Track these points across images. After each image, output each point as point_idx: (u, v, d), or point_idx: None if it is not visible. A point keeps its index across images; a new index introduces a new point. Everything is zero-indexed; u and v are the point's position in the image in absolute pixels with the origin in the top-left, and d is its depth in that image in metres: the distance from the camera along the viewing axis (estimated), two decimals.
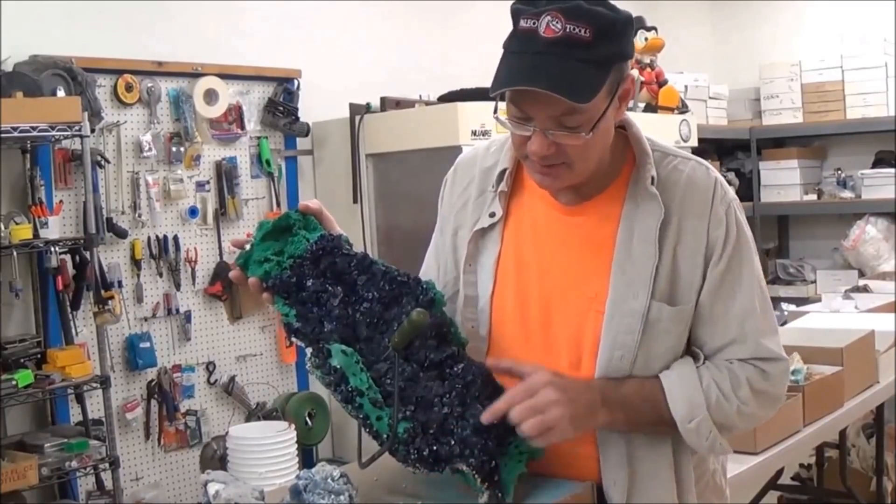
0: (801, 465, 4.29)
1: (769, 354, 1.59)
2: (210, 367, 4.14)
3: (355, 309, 1.54)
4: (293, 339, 1.55)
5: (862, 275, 5.72)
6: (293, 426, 3.83)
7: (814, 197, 6.20)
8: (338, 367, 1.48)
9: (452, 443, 1.46)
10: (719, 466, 1.75)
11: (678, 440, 1.61)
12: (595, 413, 1.53)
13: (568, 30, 1.42)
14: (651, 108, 5.02)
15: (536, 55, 1.43)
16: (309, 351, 1.52)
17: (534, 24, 1.43)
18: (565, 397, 1.48)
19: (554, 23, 1.42)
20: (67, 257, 3.55)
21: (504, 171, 1.68)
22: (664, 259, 1.56)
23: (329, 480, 1.47)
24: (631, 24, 1.51)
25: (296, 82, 4.39)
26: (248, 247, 1.59)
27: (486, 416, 1.47)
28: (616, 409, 1.54)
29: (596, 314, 1.57)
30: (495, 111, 1.53)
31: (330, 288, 1.55)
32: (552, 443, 1.49)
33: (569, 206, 1.63)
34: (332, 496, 1.45)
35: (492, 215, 1.67)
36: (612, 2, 1.50)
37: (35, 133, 3.23)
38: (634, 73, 4.84)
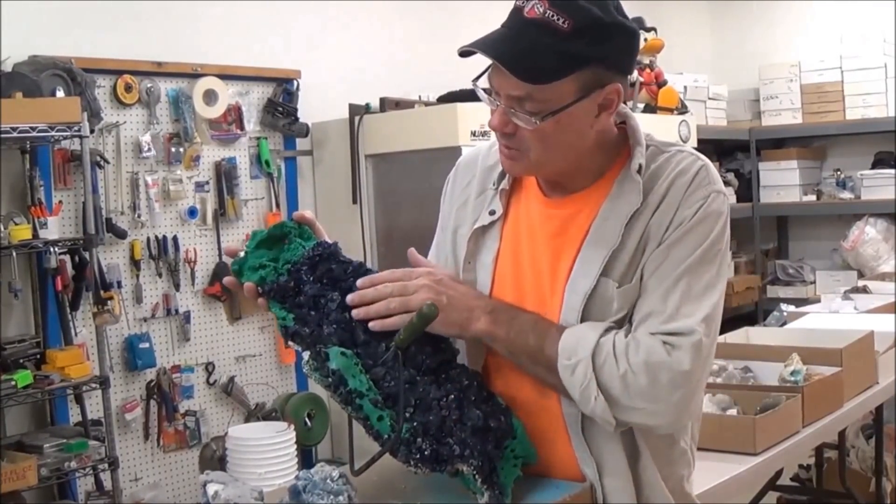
0: (801, 466, 4.29)
1: (680, 329, 1.50)
2: (209, 367, 4.14)
3: (353, 313, 1.54)
4: (290, 343, 1.54)
5: (861, 275, 5.72)
6: (292, 427, 3.84)
7: (813, 198, 6.20)
8: (336, 369, 1.48)
9: (453, 443, 1.47)
10: (687, 473, 1.68)
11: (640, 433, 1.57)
12: (473, 316, 1.56)
13: (547, 15, 1.45)
14: (650, 108, 5.02)
15: (510, 30, 1.48)
16: (306, 355, 1.51)
17: (524, 3, 1.48)
18: (437, 286, 1.54)
19: (538, 5, 1.46)
20: (67, 258, 3.55)
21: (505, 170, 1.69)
22: (627, 245, 1.55)
23: (328, 481, 1.46)
24: (629, 36, 1.51)
25: (295, 83, 4.39)
26: (241, 254, 1.59)
27: (352, 298, 1.52)
28: (501, 323, 1.55)
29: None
30: (477, 78, 1.56)
31: (327, 293, 1.55)
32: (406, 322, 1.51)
33: (556, 199, 1.64)
34: (331, 497, 1.44)
35: (491, 213, 1.68)
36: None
37: (34, 133, 3.23)
38: (633, 74, 4.86)
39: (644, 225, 1.55)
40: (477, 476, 1.47)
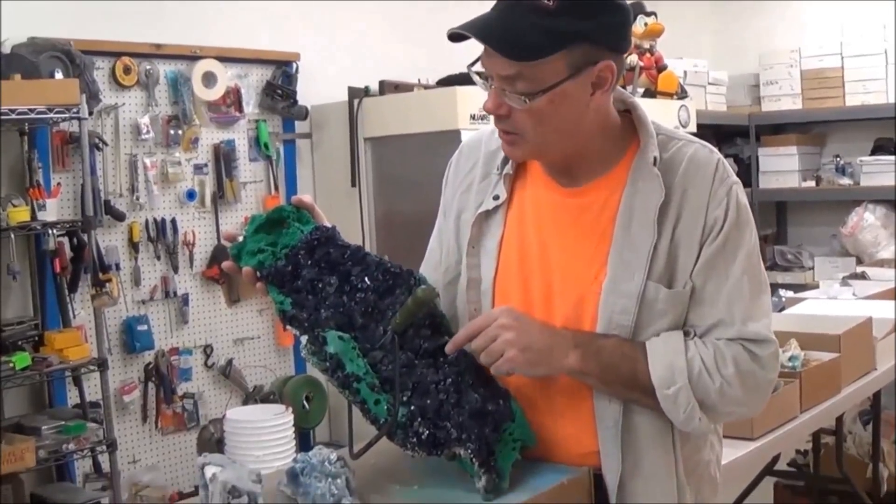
0: (798, 452, 4.30)
1: (757, 336, 1.56)
2: (207, 350, 4.14)
3: (350, 297, 1.55)
4: (288, 327, 1.55)
5: (860, 262, 5.71)
6: (290, 409, 3.81)
7: (812, 183, 6.19)
8: (334, 353, 1.49)
9: (450, 427, 1.48)
10: (714, 458, 1.72)
11: (677, 429, 1.60)
12: (561, 353, 1.54)
13: None
14: (650, 93, 5.00)
15: (498, 10, 1.50)
16: (304, 339, 1.52)
17: None
18: (517, 325, 1.52)
19: None
20: (65, 240, 3.54)
21: None
22: (662, 240, 1.55)
23: (326, 464, 1.47)
24: (618, 13, 1.51)
25: (294, 65, 4.37)
26: (240, 238, 1.59)
27: (450, 347, 1.54)
28: (590, 357, 1.54)
29: (594, 296, 1.57)
30: (472, 64, 1.56)
31: (325, 277, 1.56)
32: (505, 373, 1.54)
33: (569, 189, 1.63)
34: (329, 479, 1.44)
35: (495, 198, 1.68)
36: None
37: (33, 115, 3.22)
38: (633, 59, 4.85)
39: (672, 222, 1.56)
40: (475, 459, 1.47)
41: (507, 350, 1.51)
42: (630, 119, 1.64)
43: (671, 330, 1.57)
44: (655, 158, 1.57)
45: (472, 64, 1.56)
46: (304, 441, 4.18)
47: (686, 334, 1.58)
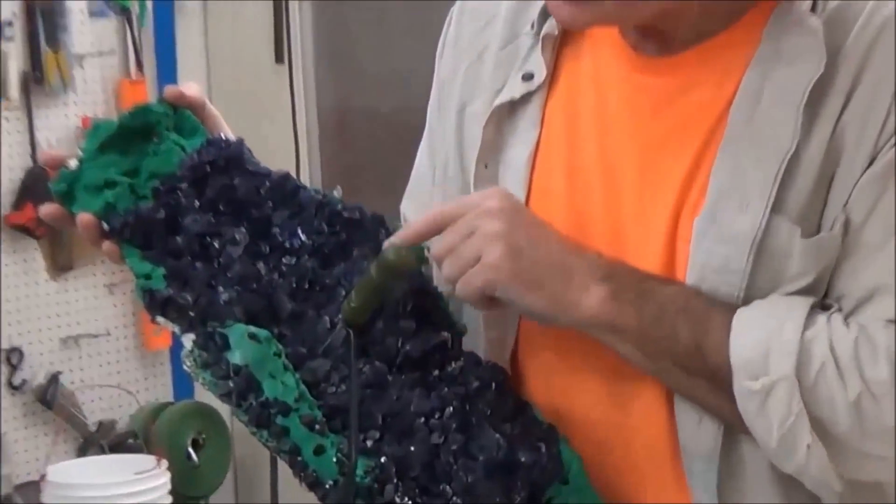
0: None
1: None
2: (13, 357, 4.19)
3: (271, 266, 1.59)
4: (159, 319, 1.58)
5: None
6: (165, 464, 3.77)
7: None
8: (242, 364, 1.49)
9: (450, 494, 1.49)
10: None
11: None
12: (579, 283, 1.55)
13: None
14: None
15: None
16: (189, 338, 1.54)
17: None
18: (512, 216, 1.55)
19: None
20: None
21: None
22: (811, 145, 1.53)
23: None
24: None
25: None
26: (73, 163, 1.61)
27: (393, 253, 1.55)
28: (625, 301, 1.54)
29: (684, 241, 1.59)
30: None
31: (226, 230, 1.60)
32: (474, 296, 1.55)
33: (657, 59, 1.65)
34: None
35: (527, 77, 1.70)
36: None
37: None
38: None
39: (833, 115, 1.54)
40: None
41: (485, 250, 1.52)
42: None
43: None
44: (815, 4, 1.56)
45: None
46: None
47: (824, 309, 1.54)
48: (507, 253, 1.51)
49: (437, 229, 1.56)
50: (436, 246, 1.55)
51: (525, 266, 1.52)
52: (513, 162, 1.70)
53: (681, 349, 1.54)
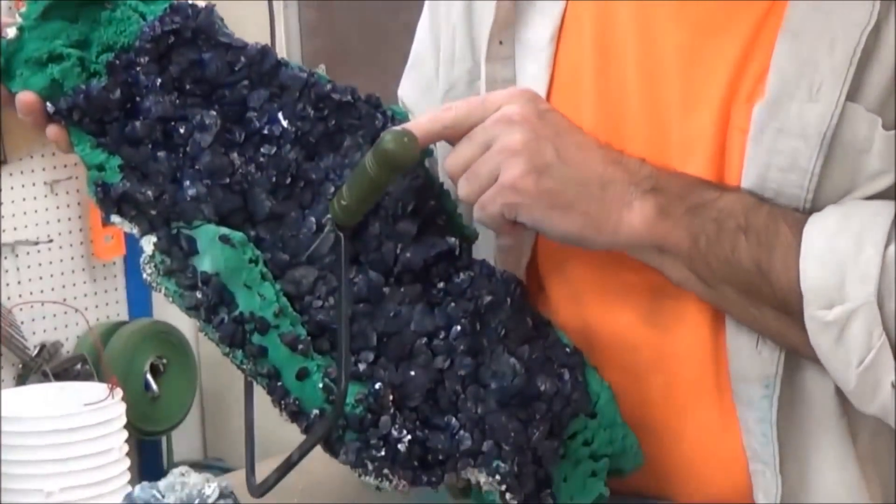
0: None
1: None
2: None
3: (247, 157, 1.52)
4: (114, 218, 1.50)
5: None
6: (119, 392, 3.76)
7: None
8: (211, 272, 1.44)
9: (457, 427, 1.44)
10: None
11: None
12: (619, 196, 1.50)
13: None
14: None
15: None
16: (150, 242, 1.48)
17: None
18: (537, 123, 1.49)
19: None
20: None
21: None
22: (893, 20, 1.47)
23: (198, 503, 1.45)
24: None
25: None
26: (10, 32, 1.52)
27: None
28: (676, 216, 1.49)
29: (740, 134, 1.54)
30: None
31: (193, 112, 1.52)
32: (494, 220, 1.51)
33: None
34: None
35: None
36: None
37: None
38: None
39: None
40: (510, 495, 1.44)
41: (503, 166, 1.46)
42: None
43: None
44: None
45: None
46: (149, 458, 4.37)
47: None
48: (528, 170, 1.46)
49: (448, 135, 1.50)
50: (450, 159, 1.51)
51: (551, 185, 1.47)
52: (532, 42, 1.67)
53: (741, 272, 1.49)
